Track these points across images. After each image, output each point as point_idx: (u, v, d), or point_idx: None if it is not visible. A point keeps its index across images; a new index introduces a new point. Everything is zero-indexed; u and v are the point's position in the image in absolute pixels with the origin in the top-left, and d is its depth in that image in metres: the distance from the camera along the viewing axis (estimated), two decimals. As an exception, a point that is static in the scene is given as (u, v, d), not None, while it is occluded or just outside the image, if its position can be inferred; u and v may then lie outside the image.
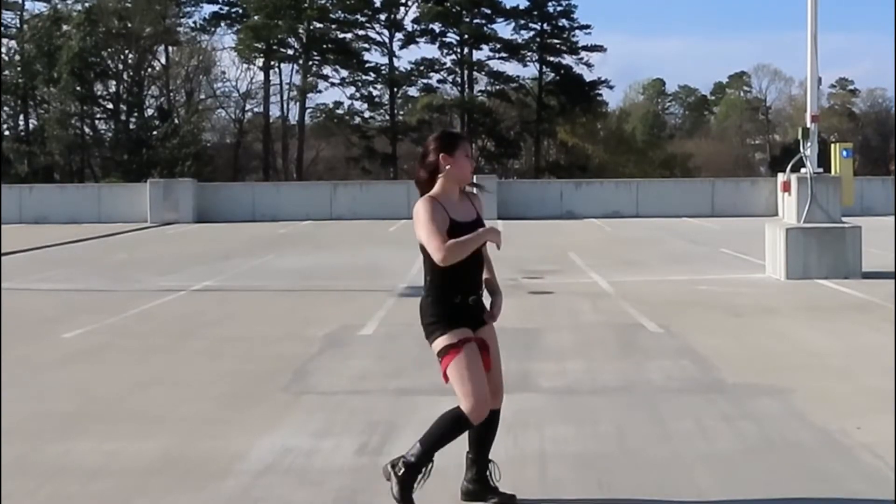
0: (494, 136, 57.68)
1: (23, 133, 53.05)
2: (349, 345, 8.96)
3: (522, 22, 57.65)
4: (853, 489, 4.83)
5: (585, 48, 57.94)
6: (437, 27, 57.07)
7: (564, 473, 5.10)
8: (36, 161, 50.19)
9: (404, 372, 7.65)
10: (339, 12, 56.91)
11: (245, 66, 57.36)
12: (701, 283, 13.26)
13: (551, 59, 58.38)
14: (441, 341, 4.37)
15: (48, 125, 50.83)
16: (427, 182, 4.48)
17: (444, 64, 58.13)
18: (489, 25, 57.82)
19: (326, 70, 58.14)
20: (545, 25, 57.92)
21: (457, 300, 4.39)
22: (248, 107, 59.08)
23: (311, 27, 56.15)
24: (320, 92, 59.33)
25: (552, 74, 58.62)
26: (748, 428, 5.93)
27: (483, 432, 4.54)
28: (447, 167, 4.44)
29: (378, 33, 57.95)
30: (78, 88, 50.36)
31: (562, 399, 6.68)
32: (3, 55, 52.17)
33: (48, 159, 50.88)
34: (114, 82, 53.77)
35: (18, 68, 51.26)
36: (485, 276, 4.57)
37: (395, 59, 57.72)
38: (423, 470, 4.42)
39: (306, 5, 54.46)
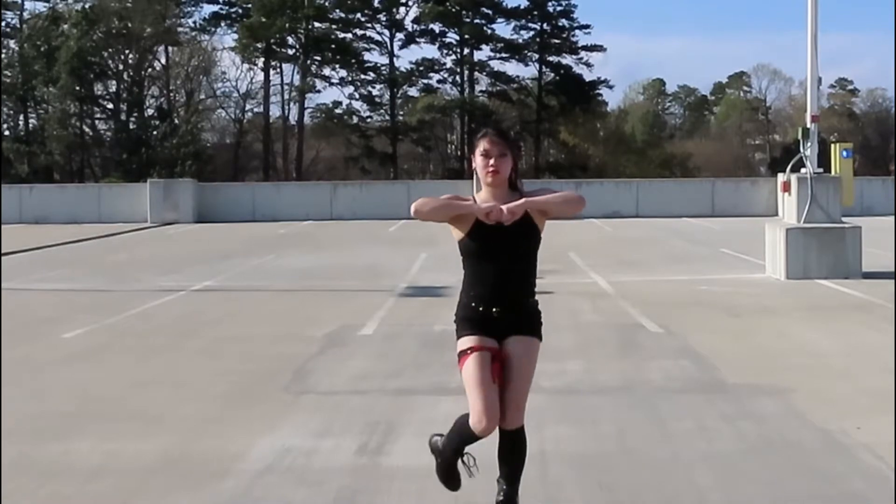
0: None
1: (22, 133, 53.05)
2: (349, 345, 8.95)
3: (522, 22, 57.74)
4: (853, 489, 4.83)
5: (585, 48, 58.02)
6: (437, 27, 57.15)
7: (564, 473, 5.10)
8: (36, 161, 50.20)
9: (404, 372, 7.64)
10: (339, 12, 56.90)
11: (245, 66, 57.43)
12: (701, 283, 13.26)
13: (551, 59, 58.41)
14: (458, 345, 4.10)
15: (48, 125, 50.86)
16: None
17: (445, 64, 58.25)
18: (489, 25, 57.93)
19: (326, 70, 58.20)
20: (545, 25, 57.94)
21: (480, 308, 4.05)
22: (248, 107, 59.15)
23: (311, 27, 56.12)
24: (319, 92, 59.38)
25: (552, 74, 58.65)
26: (748, 428, 5.93)
27: (504, 452, 4.17)
28: (474, 167, 4.11)
29: (378, 33, 58.07)
30: (77, 88, 50.37)
31: (562, 399, 6.67)
32: (2, 55, 52.20)
33: (48, 159, 50.89)
34: (114, 82, 53.79)
35: (18, 67, 51.21)
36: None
37: (395, 59, 57.84)
38: (441, 461, 4.25)
39: (305, 5, 54.41)
